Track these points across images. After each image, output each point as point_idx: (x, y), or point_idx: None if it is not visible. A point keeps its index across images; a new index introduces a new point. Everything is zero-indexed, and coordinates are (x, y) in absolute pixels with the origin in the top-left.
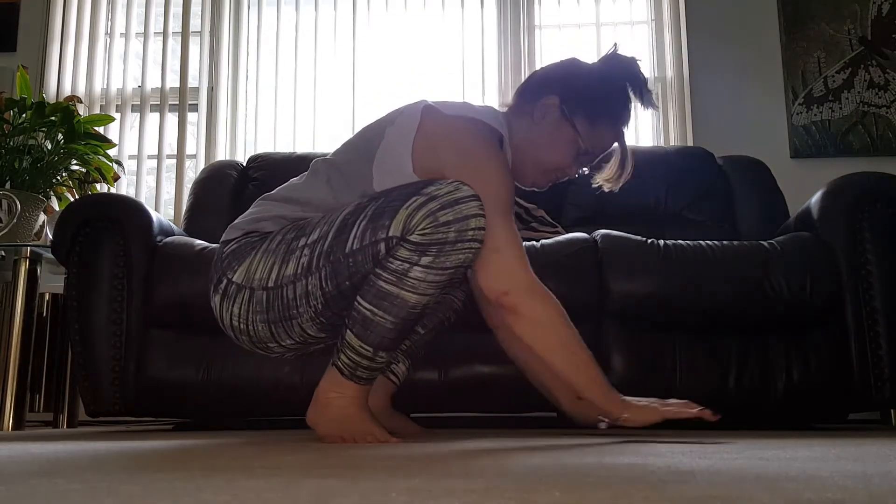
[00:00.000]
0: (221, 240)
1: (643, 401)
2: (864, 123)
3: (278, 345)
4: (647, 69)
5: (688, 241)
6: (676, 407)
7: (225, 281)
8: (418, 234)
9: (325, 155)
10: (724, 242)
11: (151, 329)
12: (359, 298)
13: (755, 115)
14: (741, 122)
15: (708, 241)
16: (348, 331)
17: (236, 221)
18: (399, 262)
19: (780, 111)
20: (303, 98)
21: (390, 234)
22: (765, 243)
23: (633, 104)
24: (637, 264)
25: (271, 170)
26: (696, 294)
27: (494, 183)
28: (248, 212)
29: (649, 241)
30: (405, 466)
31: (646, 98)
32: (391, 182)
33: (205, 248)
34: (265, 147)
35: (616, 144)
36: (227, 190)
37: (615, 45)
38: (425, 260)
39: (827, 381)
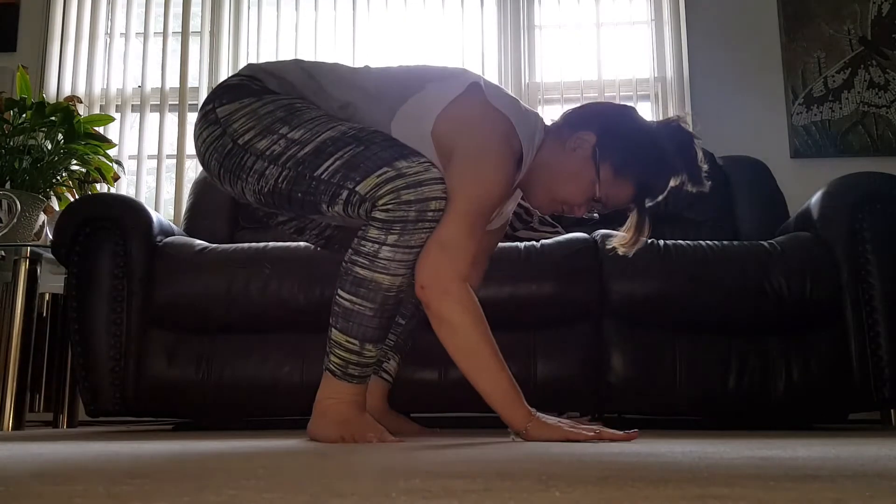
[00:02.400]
0: (241, 69)
1: (552, 419)
2: (865, 123)
3: (219, 182)
4: (647, 69)
5: (688, 241)
6: (584, 432)
7: (210, 106)
8: (381, 211)
9: None
10: (724, 242)
11: (151, 329)
12: (338, 290)
13: (755, 115)
14: (741, 122)
15: (708, 242)
16: (333, 329)
17: (259, 63)
18: (370, 244)
19: (779, 111)
20: None
21: (356, 189)
22: (765, 243)
23: (673, 179)
24: (637, 264)
25: None
26: (696, 294)
27: (484, 189)
28: (277, 62)
29: (649, 241)
30: (405, 466)
31: (693, 176)
32: (407, 129)
33: (205, 248)
34: None
35: (634, 206)
36: None
37: (681, 116)
38: (391, 238)
39: (827, 381)
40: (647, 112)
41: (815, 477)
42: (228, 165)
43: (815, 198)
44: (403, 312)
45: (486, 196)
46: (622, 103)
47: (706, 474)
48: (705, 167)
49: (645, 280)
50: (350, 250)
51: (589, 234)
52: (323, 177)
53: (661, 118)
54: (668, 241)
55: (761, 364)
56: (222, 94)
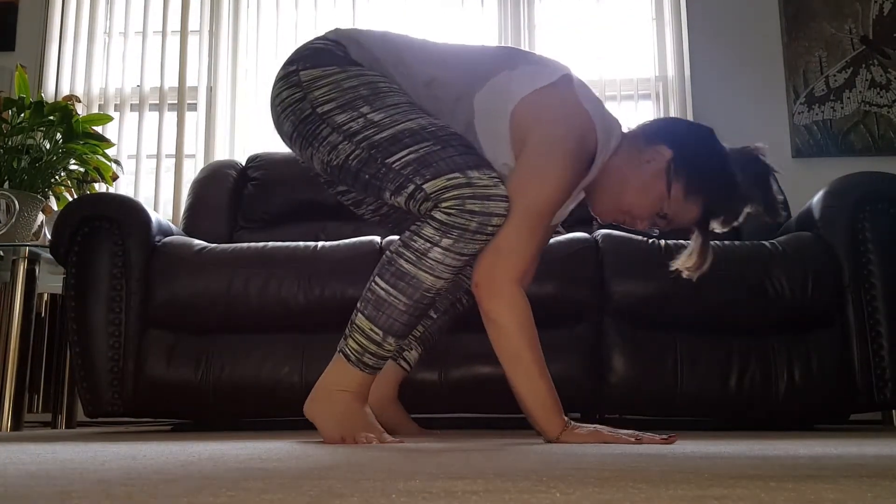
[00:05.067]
0: (327, 33)
1: (589, 427)
2: (866, 123)
3: (289, 143)
4: (648, 68)
5: (689, 241)
6: (624, 437)
7: (294, 68)
8: (443, 213)
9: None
10: (726, 242)
11: (150, 329)
12: (375, 279)
13: (756, 115)
14: (742, 122)
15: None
16: (359, 314)
17: (346, 29)
18: (422, 241)
19: (781, 110)
20: None
21: (423, 186)
22: (766, 243)
23: (749, 207)
24: (638, 264)
25: (270, 169)
26: (697, 294)
27: (549, 190)
28: (364, 30)
29: (650, 241)
30: (405, 467)
31: (770, 207)
32: (489, 104)
33: (203, 247)
34: (264, 146)
35: (696, 229)
36: (226, 190)
37: (759, 147)
38: (446, 242)
39: (828, 381)
40: (648, 111)
41: (816, 477)
42: (303, 130)
43: (817, 197)
44: (437, 307)
45: (550, 197)
46: (702, 124)
47: (707, 474)
48: (781, 198)
49: (645, 280)
50: (398, 242)
51: (590, 233)
52: (394, 166)
53: (661, 117)
54: (668, 241)
55: (762, 364)
56: (307, 57)
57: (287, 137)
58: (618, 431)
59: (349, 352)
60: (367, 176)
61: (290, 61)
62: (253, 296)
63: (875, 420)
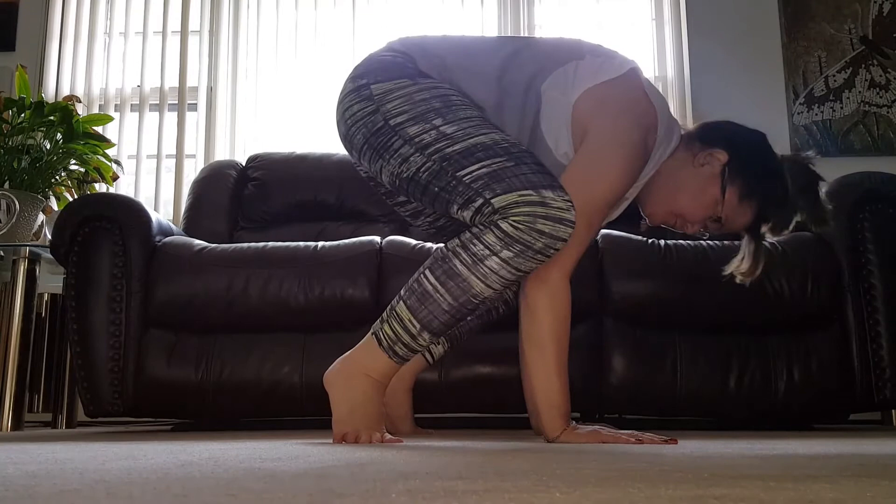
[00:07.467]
0: (392, 42)
1: (588, 427)
2: (866, 123)
3: (358, 156)
4: (647, 68)
5: (688, 242)
6: (624, 436)
7: (364, 81)
8: (510, 225)
9: (325, 155)
10: (725, 242)
11: (150, 329)
12: (426, 272)
13: (756, 115)
14: (741, 122)
15: (709, 241)
16: (401, 302)
17: (412, 38)
18: (482, 247)
19: (780, 111)
20: (302, 97)
21: (492, 200)
22: (765, 243)
23: (791, 215)
24: (637, 264)
25: (271, 169)
26: (696, 294)
27: (608, 184)
28: (429, 38)
29: (650, 241)
30: (405, 467)
31: (816, 216)
32: (554, 90)
33: (204, 247)
34: (264, 147)
35: (747, 233)
36: (226, 190)
37: (810, 156)
38: (506, 254)
39: (828, 381)
40: None
41: (816, 477)
42: (374, 143)
43: None
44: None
45: (609, 192)
46: (756, 129)
47: (706, 474)
48: (829, 207)
49: (645, 280)
50: (456, 240)
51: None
52: (465, 179)
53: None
54: (668, 241)
55: (762, 364)
56: (376, 70)
57: (357, 150)
58: (618, 432)
59: (382, 336)
60: (436, 189)
61: (359, 75)
62: (253, 296)
63: (874, 420)
